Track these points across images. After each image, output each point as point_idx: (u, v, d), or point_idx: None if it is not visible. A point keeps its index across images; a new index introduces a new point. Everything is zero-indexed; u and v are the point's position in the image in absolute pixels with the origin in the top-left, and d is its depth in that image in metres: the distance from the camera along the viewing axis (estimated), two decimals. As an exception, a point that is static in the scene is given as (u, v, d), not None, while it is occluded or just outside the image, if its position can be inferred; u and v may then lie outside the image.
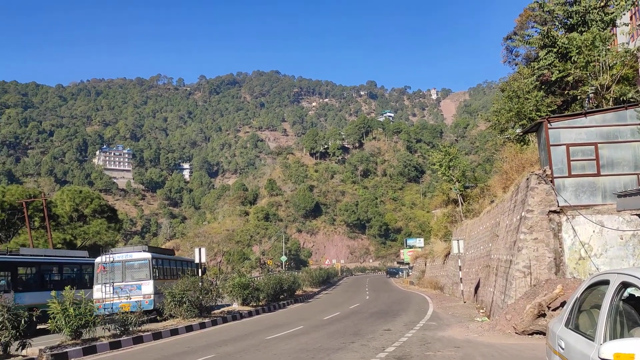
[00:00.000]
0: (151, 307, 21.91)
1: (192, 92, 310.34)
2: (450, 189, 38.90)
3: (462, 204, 36.40)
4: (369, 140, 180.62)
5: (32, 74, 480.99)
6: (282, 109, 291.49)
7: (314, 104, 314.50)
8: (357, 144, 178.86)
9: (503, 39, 29.65)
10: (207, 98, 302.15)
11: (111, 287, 20.85)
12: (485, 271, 22.17)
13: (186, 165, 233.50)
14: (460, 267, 27.89)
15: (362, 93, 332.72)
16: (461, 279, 27.80)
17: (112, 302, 20.11)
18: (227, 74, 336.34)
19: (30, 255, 23.66)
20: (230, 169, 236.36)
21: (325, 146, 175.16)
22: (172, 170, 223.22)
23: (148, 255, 22.99)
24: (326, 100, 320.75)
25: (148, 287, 22.04)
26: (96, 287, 21.87)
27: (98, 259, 23.01)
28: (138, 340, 16.23)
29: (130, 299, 20.02)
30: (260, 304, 27.59)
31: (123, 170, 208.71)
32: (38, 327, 19.71)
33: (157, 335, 17.17)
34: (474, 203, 33.40)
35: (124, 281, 21.95)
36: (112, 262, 22.19)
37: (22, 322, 13.00)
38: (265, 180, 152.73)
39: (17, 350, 13.07)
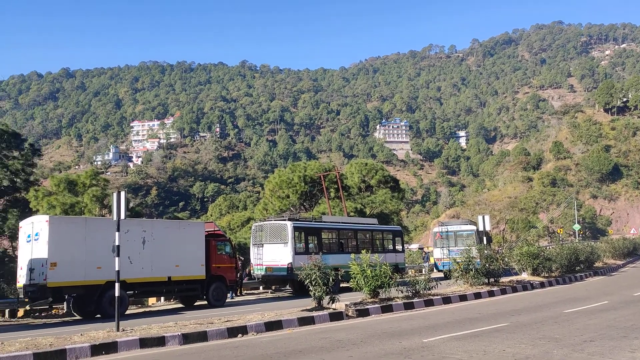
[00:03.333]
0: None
1: (464, 57, 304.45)
2: None
3: None
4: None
5: (320, 61, 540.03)
6: (567, 63, 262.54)
7: (607, 52, 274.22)
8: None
9: None
10: (480, 62, 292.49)
11: (447, 250, 28.88)
12: None
13: (462, 133, 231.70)
14: None
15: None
16: None
17: (448, 261, 25.57)
18: (501, 33, 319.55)
19: (331, 222, 26.81)
20: (509, 133, 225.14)
21: (624, 99, 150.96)
22: (448, 138, 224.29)
23: (474, 227, 29.38)
24: (623, 45, 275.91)
25: (475, 252, 23.57)
26: (436, 250, 31.18)
27: (435, 229, 31.89)
28: (429, 303, 16.82)
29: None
30: (553, 275, 25.76)
31: (401, 142, 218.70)
32: (341, 285, 22.29)
33: (446, 300, 17.54)
34: None
35: (456, 246, 28.98)
36: (446, 232, 30.40)
37: (330, 280, 14.81)
38: (550, 143, 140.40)
39: (328, 303, 15.07)
